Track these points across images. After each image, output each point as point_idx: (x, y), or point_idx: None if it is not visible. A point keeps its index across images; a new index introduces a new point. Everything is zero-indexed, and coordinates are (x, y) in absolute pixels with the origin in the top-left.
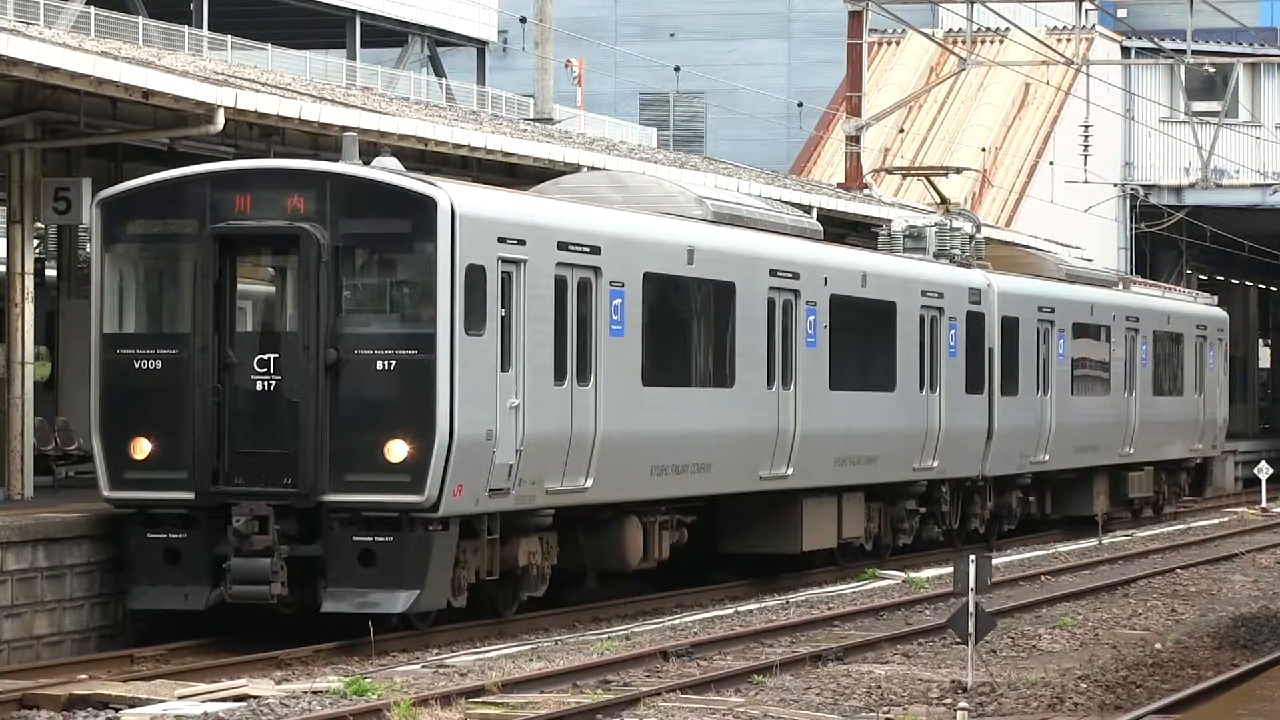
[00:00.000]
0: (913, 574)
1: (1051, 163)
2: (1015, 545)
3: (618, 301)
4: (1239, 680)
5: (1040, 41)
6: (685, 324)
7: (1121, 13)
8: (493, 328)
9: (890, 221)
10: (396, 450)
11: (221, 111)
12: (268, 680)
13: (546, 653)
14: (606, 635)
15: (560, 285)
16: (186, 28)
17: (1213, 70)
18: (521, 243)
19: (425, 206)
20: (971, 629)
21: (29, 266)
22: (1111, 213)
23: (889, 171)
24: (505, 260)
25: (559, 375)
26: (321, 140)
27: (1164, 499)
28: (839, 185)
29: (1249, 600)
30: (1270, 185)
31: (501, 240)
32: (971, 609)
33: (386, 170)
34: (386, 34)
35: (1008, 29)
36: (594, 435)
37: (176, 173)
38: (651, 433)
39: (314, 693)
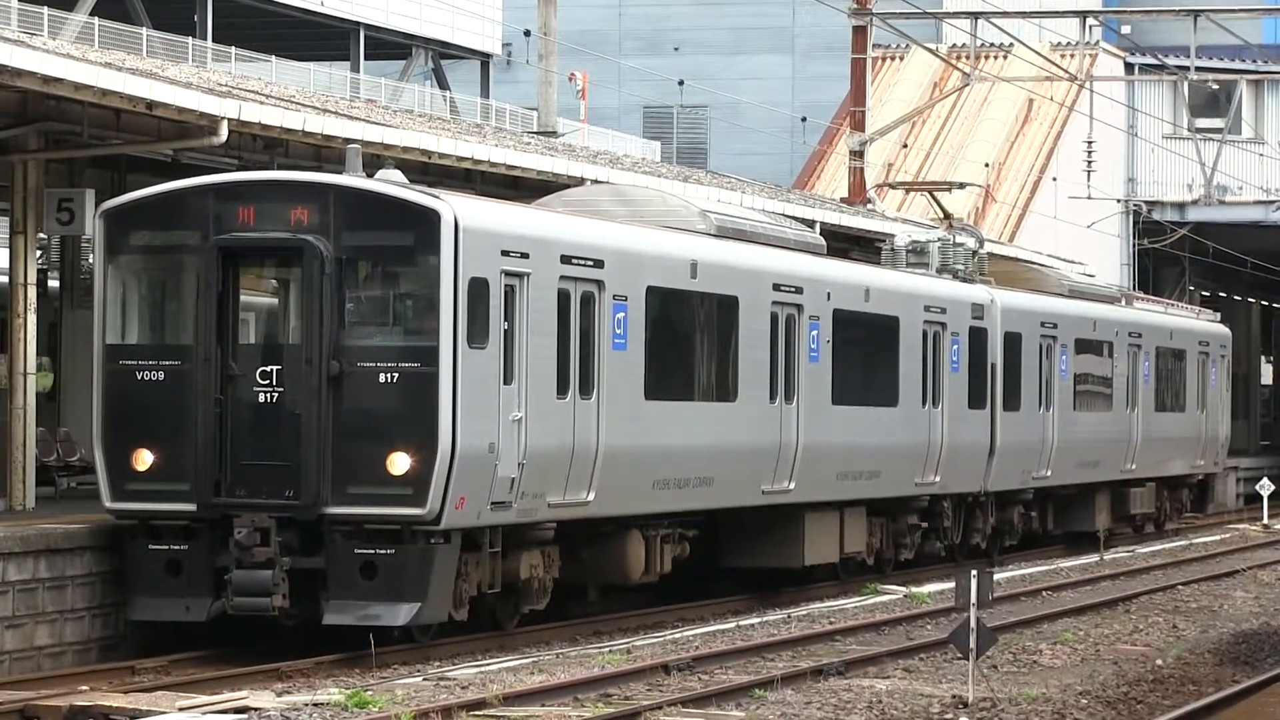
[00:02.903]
0: (914, 589)
1: (1055, 178)
2: (1017, 560)
3: (620, 315)
4: (1240, 696)
5: (1044, 57)
6: (688, 338)
7: (1125, 29)
8: (495, 341)
9: (893, 236)
10: (399, 463)
11: (225, 123)
12: (269, 692)
13: (548, 666)
14: (608, 649)
15: (563, 298)
16: (190, 39)
17: (1216, 87)
18: (525, 256)
19: (428, 219)
20: (973, 644)
21: (32, 277)
22: (1114, 229)
23: (892, 186)
24: (508, 273)
25: (561, 389)
26: (325, 152)
27: (1166, 515)
28: (842, 200)
29: (1250, 617)
30: (1273, 202)
31: (505, 253)
32: (973, 624)
33: (390, 183)
34: (390, 46)
35: (1012, 44)
36: (596, 449)
37: (180, 184)
38: (654, 446)
39: (315, 705)
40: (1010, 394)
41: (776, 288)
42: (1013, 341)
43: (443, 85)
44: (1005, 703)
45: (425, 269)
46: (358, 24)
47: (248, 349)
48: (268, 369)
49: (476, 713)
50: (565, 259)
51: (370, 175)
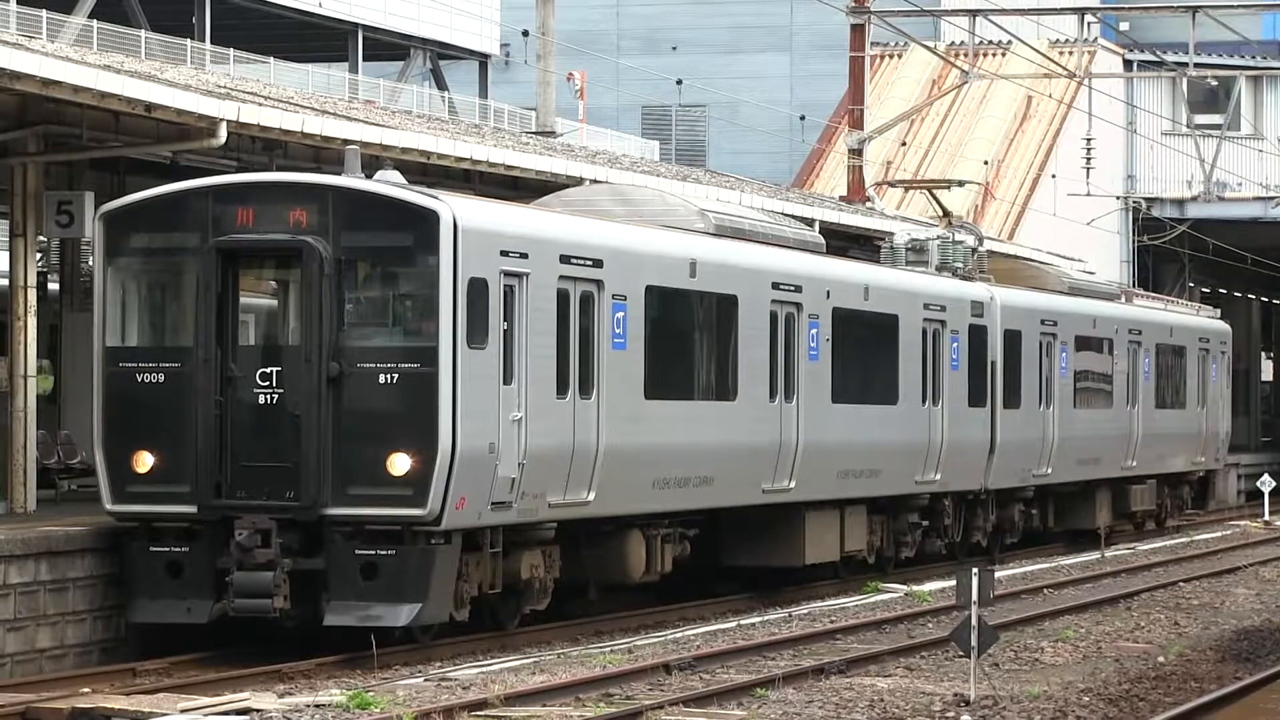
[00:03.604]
0: (915, 587)
1: (1054, 176)
2: (1018, 558)
3: (620, 314)
4: (1242, 693)
5: (1043, 54)
6: (688, 337)
7: (1124, 25)
8: (495, 341)
9: (893, 234)
10: (399, 464)
11: (224, 125)
12: (270, 693)
13: (549, 666)
14: (609, 648)
15: (562, 298)
16: (189, 41)
17: (1215, 83)
18: (524, 256)
19: (427, 219)
20: (974, 642)
21: (31, 280)
22: (1114, 226)
23: (891, 184)
24: (507, 273)
25: (561, 388)
26: (324, 154)
27: (1166, 512)
28: (841, 198)
29: (1251, 613)
30: (1272, 198)
31: (504, 253)
32: (974, 622)
33: (388, 183)
34: (389, 47)
35: (1010, 42)
36: (596, 448)
37: (179, 186)
38: (654, 446)
39: (316, 706)
40: (1010, 391)
41: (776, 286)
42: (1012, 339)
43: (441, 86)
44: (1007, 700)
45: (424, 269)
46: (356, 25)
47: (247, 350)
48: (267, 370)
49: (478, 713)
50: (564, 259)
51: (369, 176)
